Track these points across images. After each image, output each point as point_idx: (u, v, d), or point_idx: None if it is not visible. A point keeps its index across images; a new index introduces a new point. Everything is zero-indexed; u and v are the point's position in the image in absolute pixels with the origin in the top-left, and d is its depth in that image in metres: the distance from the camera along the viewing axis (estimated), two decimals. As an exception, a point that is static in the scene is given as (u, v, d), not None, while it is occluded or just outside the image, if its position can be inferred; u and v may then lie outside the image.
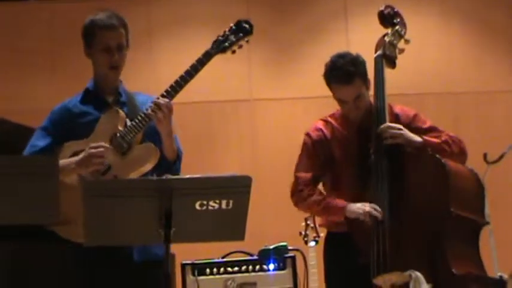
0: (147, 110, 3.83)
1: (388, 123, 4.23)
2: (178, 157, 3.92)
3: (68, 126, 3.95)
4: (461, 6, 7.69)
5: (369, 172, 4.23)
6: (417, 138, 4.22)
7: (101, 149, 3.79)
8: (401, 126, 4.23)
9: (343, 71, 4.22)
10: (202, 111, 7.52)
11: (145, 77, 7.33)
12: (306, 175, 4.36)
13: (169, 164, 3.87)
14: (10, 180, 3.11)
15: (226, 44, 3.96)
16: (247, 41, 4.00)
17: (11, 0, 7.67)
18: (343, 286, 4.35)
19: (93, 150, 3.79)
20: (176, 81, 3.88)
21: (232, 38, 3.96)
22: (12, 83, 7.45)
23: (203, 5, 7.65)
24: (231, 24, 4.00)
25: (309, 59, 7.32)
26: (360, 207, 4.15)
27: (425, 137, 4.25)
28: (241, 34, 3.98)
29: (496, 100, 7.55)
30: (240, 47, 3.99)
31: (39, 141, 3.95)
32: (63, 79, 7.26)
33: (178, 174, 3.91)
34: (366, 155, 4.26)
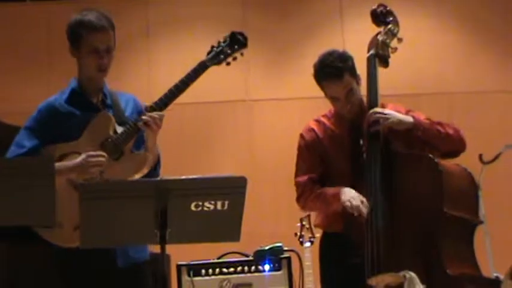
0: (137, 121, 3.82)
1: (375, 109, 4.24)
2: (158, 162, 3.92)
3: (54, 127, 3.88)
4: (456, 6, 7.69)
5: (362, 169, 4.25)
6: (408, 118, 4.22)
7: (101, 159, 3.77)
8: (388, 110, 4.24)
9: (332, 68, 4.26)
10: (199, 112, 7.52)
11: (142, 78, 7.34)
12: (303, 178, 4.39)
13: (151, 170, 3.87)
14: (6, 182, 3.12)
15: (222, 56, 3.99)
16: (241, 54, 4.04)
17: (8, 1, 7.67)
18: (338, 286, 4.35)
19: (92, 160, 3.76)
20: (170, 90, 3.87)
21: (227, 50, 4.00)
22: (9, 84, 7.46)
23: (200, 6, 7.66)
24: (226, 35, 4.03)
25: (305, 60, 7.24)
26: (351, 199, 4.12)
27: (416, 117, 4.24)
28: (236, 47, 4.02)
29: (491, 100, 7.55)
30: (235, 59, 4.04)
31: (25, 141, 3.87)
32: (61, 80, 7.20)
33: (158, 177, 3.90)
34: (359, 152, 4.29)
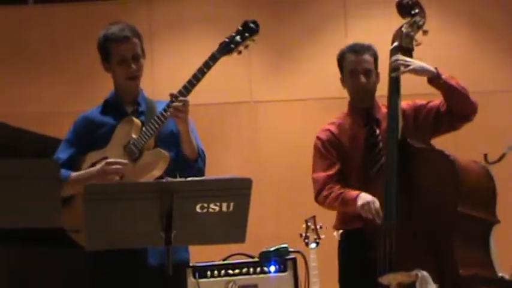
0: (164, 111, 3.87)
1: (397, 55, 4.30)
2: (200, 156, 3.95)
3: (89, 137, 4.00)
4: (459, 6, 7.70)
5: (378, 161, 4.27)
6: (430, 67, 4.30)
7: (118, 166, 3.82)
8: (409, 59, 4.31)
9: (356, 45, 4.44)
10: (202, 113, 7.50)
11: (145, 78, 7.27)
12: (320, 175, 4.39)
13: (190, 162, 3.91)
14: (12, 184, 3.12)
15: (232, 45, 3.97)
16: (253, 41, 4.00)
17: (11, 4, 7.69)
18: (360, 283, 4.29)
19: (108, 168, 3.81)
20: (184, 86, 3.92)
21: (238, 38, 3.97)
22: (13, 87, 7.46)
23: (203, 7, 7.66)
24: (238, 26, 4.01)
25: (309, 61, 7.31)
26: (365, 204, 4.12)
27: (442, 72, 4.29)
28: (246, 34, 3.98)
29: (495, 100, 7.53)
30: (246, 47, 4.00)
31: (61, 154, 4.00)
32: (64, 82, 7.27)
33: (203, 173, 3.95)
34: (374, 141, 4.33)
